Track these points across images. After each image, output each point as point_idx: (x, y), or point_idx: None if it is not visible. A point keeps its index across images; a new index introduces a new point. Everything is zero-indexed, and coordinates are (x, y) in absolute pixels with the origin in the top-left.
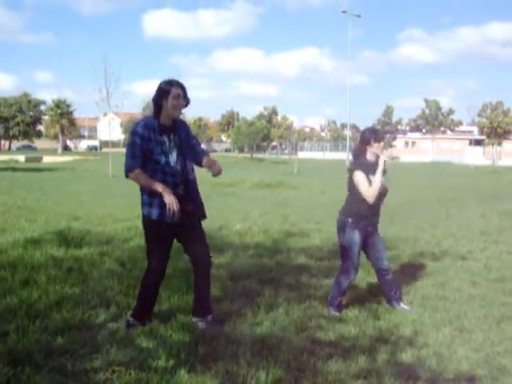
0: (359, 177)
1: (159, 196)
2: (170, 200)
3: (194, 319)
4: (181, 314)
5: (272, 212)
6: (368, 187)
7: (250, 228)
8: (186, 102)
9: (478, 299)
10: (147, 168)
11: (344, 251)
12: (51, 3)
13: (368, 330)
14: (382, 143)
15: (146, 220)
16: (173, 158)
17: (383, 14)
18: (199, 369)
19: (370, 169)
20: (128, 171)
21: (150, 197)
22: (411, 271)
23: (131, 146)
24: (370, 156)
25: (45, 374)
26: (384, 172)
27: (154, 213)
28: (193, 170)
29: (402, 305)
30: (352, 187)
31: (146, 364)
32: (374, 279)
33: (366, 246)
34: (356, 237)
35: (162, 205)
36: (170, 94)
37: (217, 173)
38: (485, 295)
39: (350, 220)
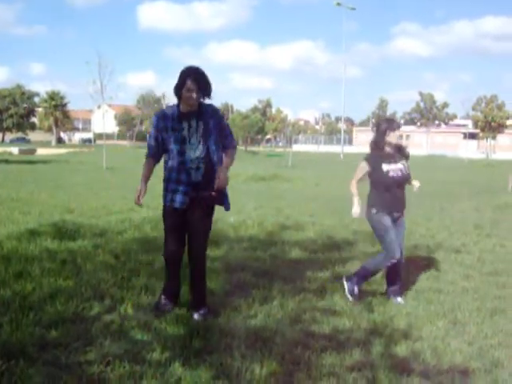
0: (359, 165)
1: (173, 182)
2: (137, 192)
3: (191, 311)
4: (175, 307)
5: (266, 205)
6: (354, 180)
7: (244, 221)
8: (203, 94)
9: (472, 292)
10: (168, 156)
11: (381, 241)
12: None
13: (362, 323)
14: (397, 132)
15: (163, 206)
16: (191, 144)
17: (378, 7)
18: (194, 361)
19: (384, 159)
20: (145, 157)
21: (166, 183)
22: (405, 264)
23: (148, 136)
24: (388, 147)
25: (39, 366)
26: (407, 157)
27: (167, 199)
28: (219, 158)
29: (398, 298)
30: (371, 178)
31: (141, 356)
32: None
33: None
34: (386, 222)
35: (175, 191)
36: (184, 86)
37: (218, 187)
38: (478, 288)
39: (373, 210)
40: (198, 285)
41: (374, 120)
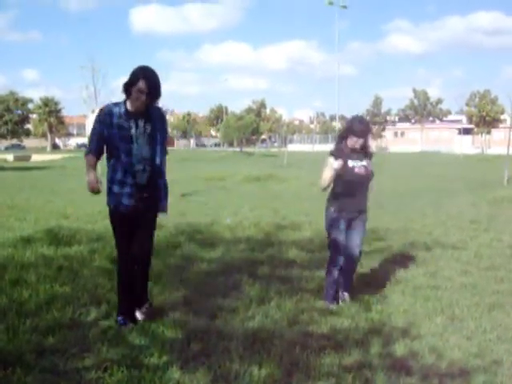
0: (327, 161)
1: (118, 183)
2: (89, 182)
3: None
4: (172, 311)
5: (262, 205)
6: (325, 174)
7: (240, 222)
8: (151, 97)
9: (470, 287)
10: (112, 154)
11: (330, 241)
12: (37, 1)
13: (360, 322)
14: (355, 139)
15: (108, 207)
16: (138, 144)
17: (369, 5)
18: (192, 365)
19: (349, 155)
20: (85, 154)
21: (111, 184)
22: (402, 261)
23: (92, 131)
24: (350, 143)
25: (36, 374)
26: (370, 157)
27: (112, 201)
28: (162, 162)
29: (345, 294)
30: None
31: (138, 361)
32: (365, 270)
33: (347, 230)
34: (341, 226)
35: (120, 193)
36: (135, 85)
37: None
38: (476, 283)
39: (332, 209)
40: (141, 285)
41: (368, 117)
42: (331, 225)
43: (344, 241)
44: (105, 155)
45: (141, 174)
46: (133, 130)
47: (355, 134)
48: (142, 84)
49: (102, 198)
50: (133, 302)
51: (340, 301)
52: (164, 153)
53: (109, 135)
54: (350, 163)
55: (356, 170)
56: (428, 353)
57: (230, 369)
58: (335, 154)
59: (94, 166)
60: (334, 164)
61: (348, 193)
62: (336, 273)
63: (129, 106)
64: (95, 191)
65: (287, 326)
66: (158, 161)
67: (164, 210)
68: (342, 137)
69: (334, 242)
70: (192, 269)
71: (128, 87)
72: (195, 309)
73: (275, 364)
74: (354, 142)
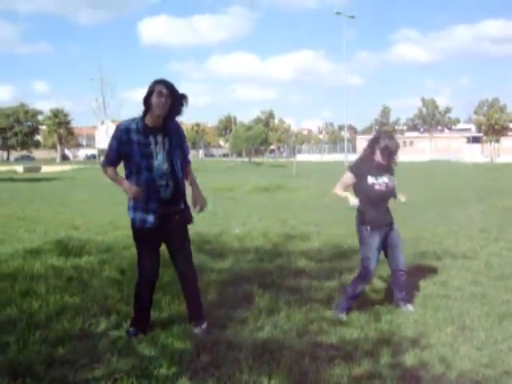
0: (345, 175)
1: (142, 200)
2: (130, 189)
3: (191, 327)
4: (181, 321)
5: (271, 215)
6: (338, 187)
7: (249, 232)
8: (175, 98)
9: (480, 297)
10: (131, 170)
11: (364, 259)
12: (47, 14)
13: (370, 332)
14: (387, 154)
15: (131, 226)
16: (158, 160)
17: (377, 15)
18: (201, 375)
19: (373, 171)
20: (102, 166)
21: (134, 202)
22: (413, 271)
23: (109, 147)
24: (378, 157)
25: None
26: (392, 171)
27: (137, 218)
28: (182, 175)
29: (408, 305)
30: (359, 193)
31: (148, 372)
32: (375, 280)
33: (385, 246)
34: (376, 243)
35: (145, 209)
36: (154, 91)
37: (201, 209)
38: (486, 293)
39: (367, 228)
40: (193, 300)
41: (376, 127)
42: (366, 243)
43: (378, 258)
44: (123, 172)
45: (164, 189)
46: (152, 146)
47: (390, 150)
48: (160, 87)
49: (111, 208)
50: (146, 316)
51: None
52: (184, 165)
53: (129, 152)
54: (370, 180)
55: (376, 187)
56: (438, 363)
57: (239, 380)
58: (355, 170)
59: (118, 174)
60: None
61: (373, 209)
62: (361, 289)
63: (147, 120)
64: (139, 195)
65: (296, 336)
66: (179, 175)
67: (191, 221)
68: (367, 154)
69: (369, 259)
70: (201, 279)
71: (147, 98)
72: (204, 319)
73: (284, 375)
74: (385, 158)
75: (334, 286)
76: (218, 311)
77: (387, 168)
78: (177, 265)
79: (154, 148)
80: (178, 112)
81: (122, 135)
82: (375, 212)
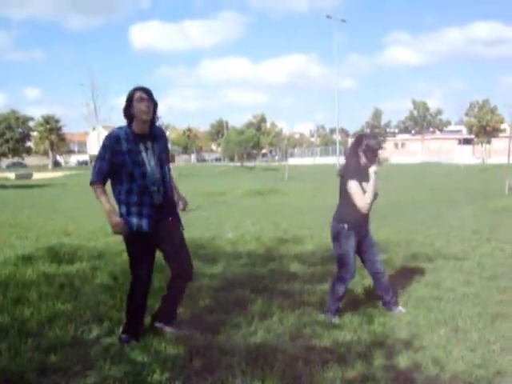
0: (353, 186)
1: (136, 205)
2: (117, 224)
3: (159, 324)
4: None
5: (264, 219)
6: (362, 197)
7: (242, 236)
8: (154, 104)
9: (472, 298)
10: (123, 179)
11: (340, 259)
12: (39, 20)
13: (363, 335)
14: (370, 153)
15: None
16: (150, 166)
17: (367, 18)
18: (194, 381)
19: (363, 174)
20: (90, 184)
21: (127, 207)
22: (405, 273)
23: (99, 159)
24: (363, 160)
25: None
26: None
27: (132, 223)
28: (170, 180)
29: (399, 308)
30: (344, 192)
31: (141, 378)
32: (368, 282)
33: (360, 250)
34: (352, 243)
35: (139, 214)
36: (134, 97)
37: (184, 208)
38: (479, 294)
39: (345, 226)
40: (176, 302)
41: (368, 130)
42: (342, 241)
43: (354, 257)
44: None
45: (156, 194)
46: (143, 153)
47: (374, 149)
48: (139, 93)
49: (103, 214)
50: (140, 322)
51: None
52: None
53: (121, 162)
54: (364, 185)
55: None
56: (431, 365)
57: None
58: (355, 176)
59: (106, 195)
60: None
61: (356, 213)
62: (342, 290)
63: (134, 128)
64: (121, 232)
65: (290, 340)
66: (168, 179)
67: (181, 226)
68: (353, 155)
69: (345, 257)
70: (194, 284)
71: (128, 107)
72: (197, 324)
73: (278, 379)
74: (373, 157)
75: (327, 289)
76: (211, 316)
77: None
78: (174, 267)
79: (146, 155)
80: (156, 117)
81: (114, 145)
82: (356, 213)
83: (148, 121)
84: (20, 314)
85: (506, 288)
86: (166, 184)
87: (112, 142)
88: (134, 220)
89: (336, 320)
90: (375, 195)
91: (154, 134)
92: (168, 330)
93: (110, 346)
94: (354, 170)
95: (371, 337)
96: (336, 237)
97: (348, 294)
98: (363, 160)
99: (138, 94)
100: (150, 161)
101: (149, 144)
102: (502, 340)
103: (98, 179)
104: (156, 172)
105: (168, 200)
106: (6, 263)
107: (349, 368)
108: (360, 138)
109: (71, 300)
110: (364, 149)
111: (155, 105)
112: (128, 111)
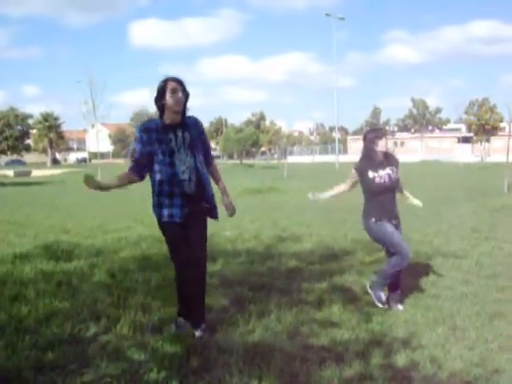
0: (350, 173)
1: (167, 196)
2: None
3: (191, 329)
4: (172, 325)
5: (263, 217)
6: (345, 183)
7: (241, 234)
8: (186, 95)
9: (471, 297)
10: (156, 170)
11: (388, 245)
12: (37, 17)
13: (361, 333)
14: (384, 139)
15: (158, 222)
16: (180, 155)
17: (366, 16)
18: (192, 379)
19: (374, 166)
20: (129, 170)
21: (158, 197)
22: (403, 271)
23: (135, 153)
24: (377, 155)
25: None
26: (396, 164)
27: (164, 214)
28: (205, 170)
29: (399, 306)
30: (362, 187)
31: (138, 376)
32: (365, 280)
33: None
34: (388, 226)
35: (170, 205)
36: (166, 89)
37: (231, 216)
38: (477, 292)
39: (373, 219)
40: (198, 299)
41: (367, 128)
42: (380, 230)
43: (400, 238)
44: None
45: (188, 183)
46: (173, 142)
47: (384, 134)
48: (171, 83)
49: (101, 212)
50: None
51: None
52: (209, 161)
53: (152, 151)
54: (370, 174)
55: (376, 180)
56: (429, 363)
57: (230, 383)
58: (356, 166)
59: (119, 184)
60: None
61: (377, 203)
62: (396, 270)
63: (165, 118)
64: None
65: (287, 338)
66: (202, 169)
67: (216, 216)
68: (367, 151)
69: (393, 240)
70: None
71: (160, 98)
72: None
73: (275, 377)
74: (384, 143)
75: (325, 287)
76: (208, 314)
77: (390, 161)
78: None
79: (175, 144)
80: (188, 96)
81: (143, 134)
82: (379, 205)
83: (180, 111)
84: (17, 311)
85: (504, 287)
86: (199, 173)
87: (141, 133)
88: (165, 211)
89: (383, 303)
90: (392, 184)
91: (186, 123)
92: (197, 334)
93: (107, 343)
94: (365, 162)
95: (369, 335)
96: (370, 232)
97: (346, 292)
98: (380, 146)
99: (171, 85)
100: (179, 149)
101: (179, 133)
102: (500, 339)
103: (129, 168)
104: (186, 161)
105: (201, 190)
106: (3, 261)
107: (346, 367)
108: (363, 135)
109: (68, 298)
110: (367, 142)
111: (187, 96)
112: (160, 102)
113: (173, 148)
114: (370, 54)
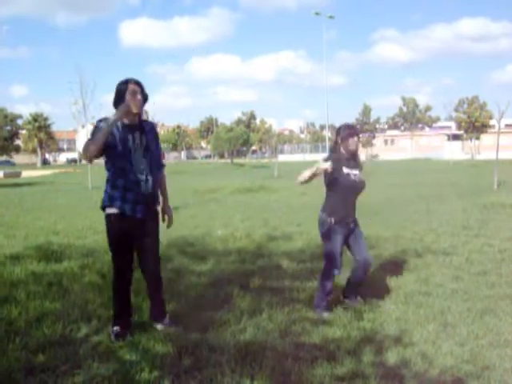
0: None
1: (121, 190)
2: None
3: (155, 324)
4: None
5: (254, 216)
6: (307, 171)
7: (231, 233)
8: (144, 97)
9: (461, 293)
10: (112, 165)
11: (324, 250)
12: (25, 17)
13: (352, 331)
14: (356, 138)
15: (106, 214)
16: (137, 156)
17: (356, 15)
18: (183, 379)
19: (342, 162)
20: (83, 151)
21: (112, 189)
22: (394, 269)
23: (92, 133)
24: (344, 150)
25: None
26: (361, 168)
27: (116, 205)
28: (157, 174)
29: (358, 299)
30: (329, 183)
31: (130, 377)
32: None
33: (347, 241)
34: (337, 235)
35: (124, 199)
36: (126, 91)
37: (169, 226)
38: (467, 289)
39: (330, 220)
40: (157, 297)
41: (358, 126)
42: (328, 235)
43: (340, 253)
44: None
45: (144, 184)
46: (130, 143)
47: (351, 134)
48: (131, 86)
49: (92, 213)
50: (128, 314)
51: (355, 305)
52: (160, 166)
53: (109, 143)
54: (345, 170)
55: (352, 176)
56: (420, 360)
57: (221, 382)
58: (329, 159)
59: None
60: (323, 164)
61: (344, 201)
62: (330, 285)
63: (124, 120)
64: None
65: (279, 337)
66: (155, 171)
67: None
68: (335, 146)
69: (331, 253)
70: (183, 282)
71: (118, 99)
72: (186, 322)
73: (267, 376)
74: (354, 142)
75: (316, 286)
76: (200, 314)
77: (357, 163)
78: (144, 264)
79: (133, 144)
80: (147, 99)
81: (101, 124)
82: (343, 204)
83: (138, 113)
84: (8, 313)
85: (494, 283)
86: (153, 176)
87: (100, 124)
88: (118, 203)
89: (326, 315)
90: (359, 186)
91: (143, 127)
92: (159, 327)
93: (98, 344)
94: (334, 157)
95: (360, 333)
96: (322, 228)
97: (337, 290)
98: (351, 144)
99: (131, 87)
100: (136, 150)
101: (137, 134)
102: (491, 335)
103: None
104: (141, 162)
105: (154, 192)
106: None
107: (338, 365)
108: (337, 131)
109: (59, 299)
110: (343, 136)
111: (145, 98)
112: (118, 102)
113: (130, 148)
114: (359, 52)
